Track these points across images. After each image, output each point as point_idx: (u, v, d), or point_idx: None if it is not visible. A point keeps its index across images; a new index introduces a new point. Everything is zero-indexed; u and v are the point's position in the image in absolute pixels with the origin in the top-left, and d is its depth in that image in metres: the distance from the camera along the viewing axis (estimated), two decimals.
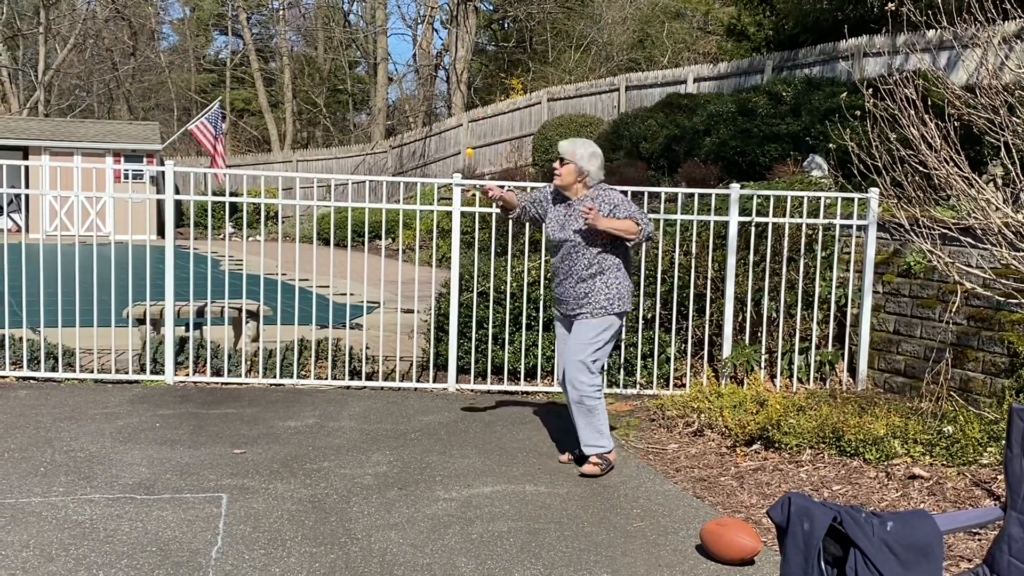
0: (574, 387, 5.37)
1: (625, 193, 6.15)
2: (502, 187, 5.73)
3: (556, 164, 5.49)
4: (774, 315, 7.65)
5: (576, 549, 4.34)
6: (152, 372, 7.46)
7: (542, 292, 7.68)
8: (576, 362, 5.36)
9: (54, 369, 7.40)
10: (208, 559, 4.07)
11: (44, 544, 4.14)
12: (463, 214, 7.68)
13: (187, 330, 7.83)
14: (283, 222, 24.79)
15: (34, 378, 7.35)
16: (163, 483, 5.03)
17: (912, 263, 7.15)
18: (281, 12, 41.69)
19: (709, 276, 7.66)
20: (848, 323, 7.67)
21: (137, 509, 4.62)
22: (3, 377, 7.32)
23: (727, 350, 7.55)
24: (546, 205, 5.63)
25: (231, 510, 4.67)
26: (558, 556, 4.25)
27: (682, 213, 7.68)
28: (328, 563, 4.08)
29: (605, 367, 6.83)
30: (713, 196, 7.69)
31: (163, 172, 7.67)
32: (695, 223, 7.77)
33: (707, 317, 7.63)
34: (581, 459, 5.53)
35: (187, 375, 7.51)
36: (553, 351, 7.63)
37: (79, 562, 3.97)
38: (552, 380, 7.66)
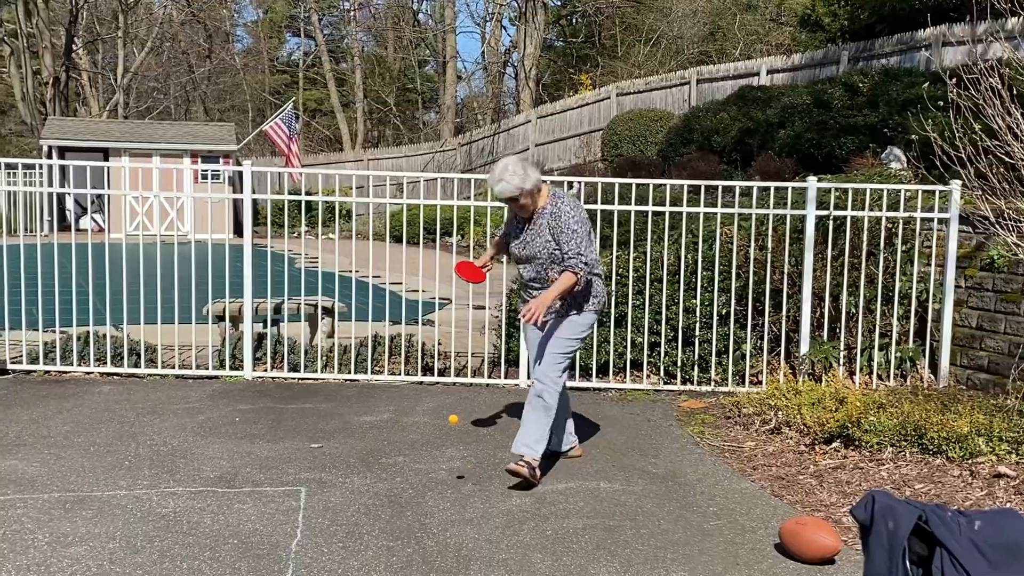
0: (542, 382, 5.08)
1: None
2: (485, 266, 5.48)
3: (513, 205, 5.14)
4: (853, 311, 7.50)
5: (652, 547, 4.31)
6: (231, 368, 7.61)
7: (613, 287, 7.64)
8: (554, 355, 5.11)
9: (136, 365, 7.59)
10: (288, 552, 4.13)
11: (130, 536, 4.24)
12: None
13: (265, 327, 7.96)
14: (356, 220, 25.04)
15: (118, 374, 7.54)
16: (243, 476, 5.12)
17: (996, 257, 6.95)
18: (352, 13, 42.14)
19: (785, 271, 7.54)
20: (929, 319, 7.49)
21: (218, 502, 4.71)
22: (88, 373, 7.53)
23: (805, 347, 7.42)
24: (508, 227, 5.38)
25: (309, 503, 4.74)
26: (635, 554, 4.22)
27: (757, 207, 7.57)
28: (405, 557, 4.11)
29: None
30: (790, 189, 7.57)
31: (240, 172, 7.80)
32: (771, 217, 7.65)
33: (784, 313, 7.51)
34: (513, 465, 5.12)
35: (265, 371, 7.63)
36: (625, 346, 7.59)
37: (163, 554, 4.06)
38: (625, 377, 7.62)
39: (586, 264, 5.01)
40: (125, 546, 4.13)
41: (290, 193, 26.07)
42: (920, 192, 7.62)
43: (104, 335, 7.79)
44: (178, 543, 4.18)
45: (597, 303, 5.23)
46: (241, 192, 7.85)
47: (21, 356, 7.63)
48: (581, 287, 5.08)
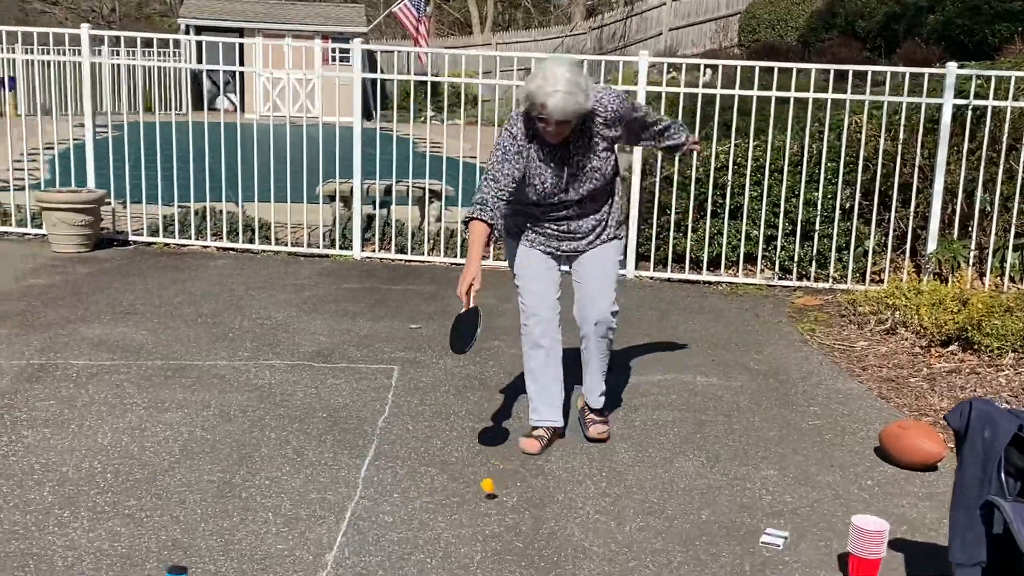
0: (606, 325, 4.03)
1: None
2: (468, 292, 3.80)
3: (554, 129, 3.69)
4: (987, 208, 7.01)
5: (743, 443, 4.17)
6: (341, 247, 7.69)
7: (730, 178, 7.32)
8: (610, 294, 4.03)
9: (251, 241, 7.74)
10: (374, 427, 4.16)
11: (224, 405, 4.35)
12: (649, 95, 7.36)
13: (375, 208, 7.99)
14: (482, 106, 24.91)
15: (232, 249, 7.72)
16: (340, 353, 5.18)
17: None
18: None
19: (917, 164, 7.07)
20: None
21: (313, 377, 4.78)
22: (204, 247, 7.73)
23: (932, 245, 7.00)
24: (521, 162, 3.81)
25: (401, 382, 4.76)
26: (723, 449, 4.10)
27: (891, 95, 7.07)
28: (489, 439, 4.09)
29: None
30: (926, 76, 7.03)
31: (368, 53, 7.73)
32: (904, 106, 7.15)
33: (912, 209, 7.07)
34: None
35: (373, 251, 7.69)
36: (738, 239, 7.31)
37: (254, 424, 4.15)
38: (737, 271, 7.35)
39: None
40: (218, 414, 4.23)
41: (416, 75, 25.98)
42: None
43: (221, 211, 7.95)
44: (269, 414, 4.27)
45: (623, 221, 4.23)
46: (368, 73, 7.82)
47: (142, 229, 7.88)
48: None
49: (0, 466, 3.63)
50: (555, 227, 3.94)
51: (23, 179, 9.62)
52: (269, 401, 4.43)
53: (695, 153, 4.15)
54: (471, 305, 3.76)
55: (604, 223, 4.01)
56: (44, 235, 7.54)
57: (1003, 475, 2.55)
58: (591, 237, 3.99)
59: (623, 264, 7.07)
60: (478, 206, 3.79)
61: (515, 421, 4.30)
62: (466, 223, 3.84)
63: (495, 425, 4.26)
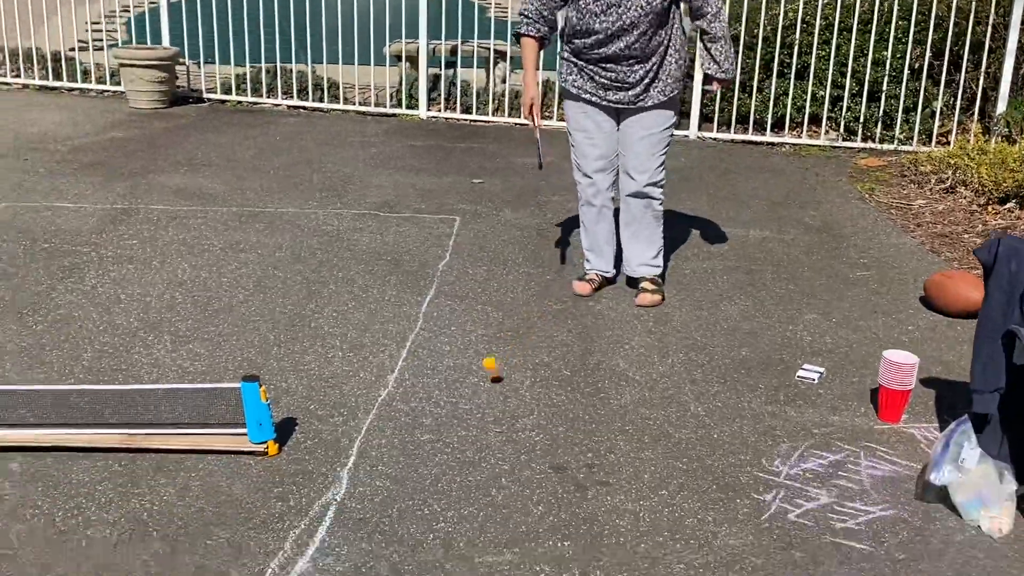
0: (649, 196, 4.05)
1: None
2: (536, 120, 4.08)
3: None
4: None
5: (789, 290, 4.30)
6: (407, 107, 7.82)
7: (797, 36, 7.22)
8: (656, 161, 4.01)
9: (321, 100, 7.91)
10: (435, 270, 4.38)
11: (294, 247, 4.60)
12: None
13: (441, 69, 8.07)
14: None
15: (303, 107, 7.90)
16: (404, 204, 5.38)
17: None
18: None
19: (991, 22, 6.89)
20: None
21: (379, 224, 5.00)
22: (276, 105, 7.93)
23: (1002, 106, 6.88)
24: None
25: (462, 231, 4.96)
26: (769, 295, 4.24)
27: None
28: (543, 283, 4.29)
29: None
30: None
31: None
32: None
33: (982, 69, 6.93)
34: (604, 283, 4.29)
35: (439, 111, 7.81)
36: (804, 100, 7.26)
37: (322, 263, 4.40)
38: (801, 132, 7.33)
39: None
40: (289, 255, 4.49)
41: None
42: None
43: (292, 71, 8.11)
44: (337, 256, 4.51)
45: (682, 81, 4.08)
46: None
47: (216, 87, 8.10)
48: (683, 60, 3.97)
49: (90, 296, 3.95)
50: (603, 73, 3.96)
51: (102, 40, 9.88)
52: (336, 244, 4.67)
53: (719, 86, 4.10)
54: (539, 123, 4.06)
55: (654, 75, 3.92)
56: (123, 92, 7.80)
57: None
58: (639, 90, 3.93)
59: (683, 125, 7.10)
60: (524, 22, 3.96)
61: (569, 268, 4.48)
62: (516, 40, 4.03)
63: (550, 271, 4.45)
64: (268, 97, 7.96)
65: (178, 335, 3.61)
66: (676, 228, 5.08)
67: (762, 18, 7.29)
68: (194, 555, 2.37)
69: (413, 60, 8.07)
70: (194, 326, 3.69)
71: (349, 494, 2.64)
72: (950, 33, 6.89)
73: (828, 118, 7.32)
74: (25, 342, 3.51)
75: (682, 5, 3.95)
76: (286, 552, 2.39)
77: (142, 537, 2.44)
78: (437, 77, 8.05)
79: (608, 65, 3.92)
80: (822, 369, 3.51)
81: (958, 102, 7.01)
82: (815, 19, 7.22)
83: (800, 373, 3.48)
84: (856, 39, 7.11)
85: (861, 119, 7.16)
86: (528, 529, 2.52)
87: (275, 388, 3.21)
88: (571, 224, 5.10)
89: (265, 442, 2.80)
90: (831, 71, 7.15)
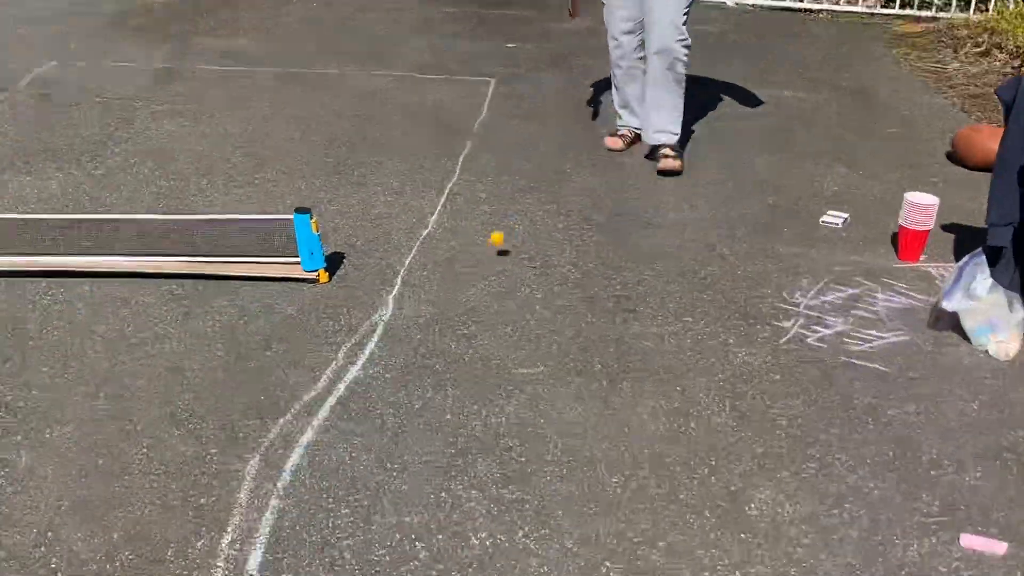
0: (669, 56, 3.96)
1: None
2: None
3: None
4: None
5: (820, 146, 4.39)
6: None
7: None
8: (676, 19, 3.92)
9: None
10: (472, 125, 4.51)
11: (337, 104, 4.73)
12: None
13: None
14: None
15: None
16: (441, 67, 5.47)
17: None
18: None
19: None
20: None
21: (416, 84, 5.11)
22: None
23: None
24: None
25: (497, 91, 5.06)
26: (797, 149, 4.33)
27: None
28: (576, 138, 4.40)
29: None
30: None
31: None
32: None
33: None
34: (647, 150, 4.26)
35: None
36: None
37: (364, 119, 4.53)
38: None
39: None
40: (331, 112, 4.63)
41: None
42: None
43: None
44: (376, 111, 4.65)
45: None
46: None
47: None
48: None
49: (144, 146, 4.13)
50: None
51: None
52: (376, 101, 4.80)
53: None
54: None
55: None
56: None
57: None
58: None
59: None
60: None
61: (601, 124, 4.59)
62: None
63: (583, 127, 4.56)
64: None
65: (230, 180, 3.80)
66: (711, 89, 5.14)
67: None
68: (257, 362, 2.60)
69: None
70: (245, 172, 3.87)
71: (395, 316, 2.85)
72: None
73: None
74: (86, 185, 3.72)
75: None
76: (339, 362, 2.61)
77: (208, 347, 2.67)
78: None
79: None
80: (847, 214, 3.63)
81: None
82: None
83: (825, 218, 3.60)
84: None
85: None
86: (559, 349, 2.71)
87: (323, 227, 3.39)
88: (604, 85, 5.15)
89: (316, 270, 3.00)
90: None
